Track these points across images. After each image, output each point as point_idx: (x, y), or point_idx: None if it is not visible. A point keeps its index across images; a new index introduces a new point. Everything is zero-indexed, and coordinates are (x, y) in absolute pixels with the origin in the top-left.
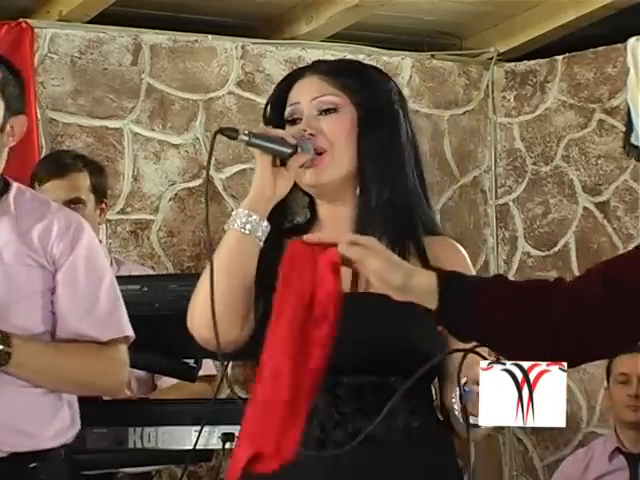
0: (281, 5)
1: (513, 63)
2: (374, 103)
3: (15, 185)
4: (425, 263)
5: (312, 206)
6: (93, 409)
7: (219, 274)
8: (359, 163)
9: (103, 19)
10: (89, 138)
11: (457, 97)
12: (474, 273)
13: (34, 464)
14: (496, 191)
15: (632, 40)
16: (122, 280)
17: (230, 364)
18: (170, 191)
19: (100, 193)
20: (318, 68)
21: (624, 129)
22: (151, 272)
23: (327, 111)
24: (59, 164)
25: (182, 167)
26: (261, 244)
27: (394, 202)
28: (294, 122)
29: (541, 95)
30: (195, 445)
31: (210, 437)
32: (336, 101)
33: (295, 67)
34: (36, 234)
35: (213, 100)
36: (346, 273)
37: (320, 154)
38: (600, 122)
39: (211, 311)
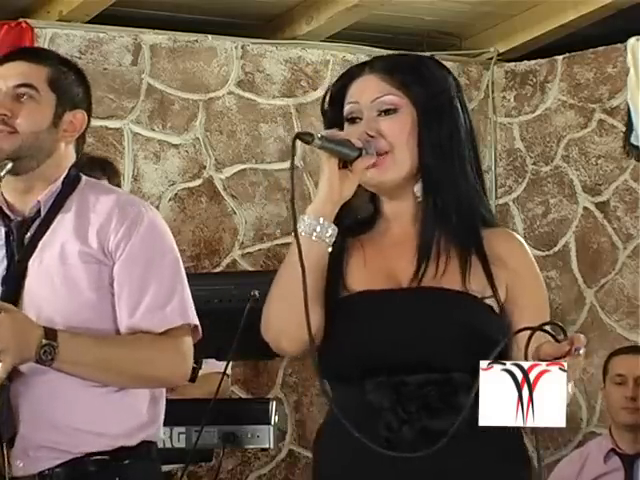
0: (281, 5)
1: (513, 63)
2: (434, 101)
3: (84, 179)
4: (484, 260)
5: (374, 200)
6: None
7: (290, 282)
8: (421, 163)
9: (103, 19)
10: (89, 138)
11: None
12: (532, 258)
13: (113, 463)
14: (496, 191)
15: (632, 40)
16: None
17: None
18: (170, 191)
19: None
20: (377, 65)
21: (624, 129)
22: None
23: (387, 111)
24: None
25: (182, 167)
26: (330, 248)
27: (457, 201)
28: (353, 121)
29: (541, 95)
30: (195, 445)
31: (210, 437)
32: (396, 101)
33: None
34: (94, 230)
35: (213, 100)
36: (407, 266)
37: (381, 154)
38: (600, 122)
39: (305, 316)
